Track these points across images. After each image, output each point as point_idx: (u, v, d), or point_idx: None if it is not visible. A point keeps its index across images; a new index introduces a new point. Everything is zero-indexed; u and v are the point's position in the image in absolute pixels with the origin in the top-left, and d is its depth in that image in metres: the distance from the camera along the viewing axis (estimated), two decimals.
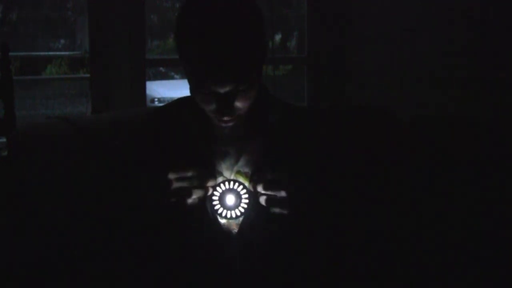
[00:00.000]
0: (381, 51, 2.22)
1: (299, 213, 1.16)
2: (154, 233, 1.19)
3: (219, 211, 1.17)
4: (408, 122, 1.73)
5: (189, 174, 1.15)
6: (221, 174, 1.22)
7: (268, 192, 1.15)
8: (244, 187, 1.17)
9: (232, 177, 1.21)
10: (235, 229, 1.20)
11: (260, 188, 1.15)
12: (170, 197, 1.15)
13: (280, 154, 1.22)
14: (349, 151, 1.41)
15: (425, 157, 1.66)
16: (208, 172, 1.18)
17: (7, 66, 1.79)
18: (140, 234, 1.19)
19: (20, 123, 1.79)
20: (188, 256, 1.19)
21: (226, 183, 1.17)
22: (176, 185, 1.15)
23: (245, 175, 1.21)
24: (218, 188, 1.17)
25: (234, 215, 1.17)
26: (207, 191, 1.17)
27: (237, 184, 1.16)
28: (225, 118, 1.16)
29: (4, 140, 1.78)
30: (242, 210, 1.16)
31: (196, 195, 1.16)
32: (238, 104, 1.15)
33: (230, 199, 1.16)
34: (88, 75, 2.10)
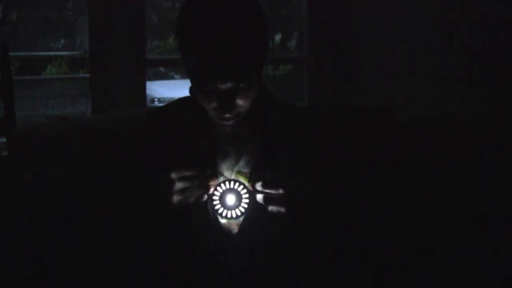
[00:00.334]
0: (381, 51, 2.22)
1: (298, 212, 1.16)
2: (155, 233, 1.19)
3: (220, 211, 1.17)
4: (408, 122, 1.73)
5: (191, 173, 1.15)
6: (221, 174, 1.22)
7: (266, 190, 1.15)
8: (245, 187, 1.17)
9: (232, 177, 1.21)
10: (235, 228, 1.20)
11: (258, 187, 1.15)
12: (171, 197, 1.15)
13: (280, 153, 1.22)
14: (348, 151, 1.41)
15: (425, 157, 1.66)
16: (209, 172, 1.18)
17: (7, 66, 1.79)
18: (140, 234, 1.19)
19: (20, 123, 1.79)
20: (189, 255, 1.19)
21: (227, 183, 1.17)
22: (178, 185, 1.15)
23: (245, 175, 1.21)
24: (218, 188, 1.17)
25: (234, 215, 1.17)
26: (208, 191, 1.17)
27: (237, 184, 1.17)
28: (226, 116, 1.17)
29: (4, 140, 1.78)
30: (243, 210, 1.16)
31: (197, 194, 1.16)
32: (239, 101, 1.16)
33: (230, 199, 1.16)
34: (88, 75, 2.10)
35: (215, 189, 1.17)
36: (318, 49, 2.32)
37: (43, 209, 1.37)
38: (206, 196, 1.17)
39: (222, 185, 1.17)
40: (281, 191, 1.15)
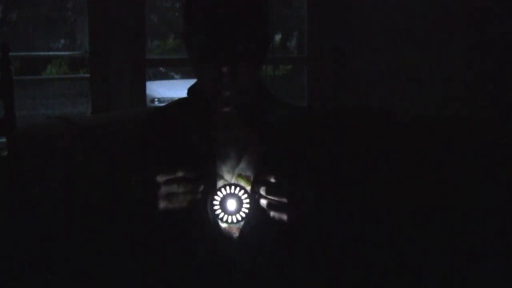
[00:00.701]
0: (381, 51, 2.22)
1: (300, 218, 1.16)
2: (153, 236, 1.18)
3: (220, 216, 1.16)
4: (408, 122, 1.73)
5: (178, 177, 1.13)
6: (221, 177, 1.21)
7: (269, 197, 1.14)
8: (246, 191, 1.16)
9: (233, 180, 1.21)
10: (236, 233, 1.19)
11: (262, 191, 1.15)
12: (157, 201, 1.14)
13: (280, 154, 1.22)
14: (348, 151, 1.41)
15: (425, 157, 1.66)
16: (202, 175, 1.17)
17: (7, 66, 1.79)
18: (139, 237, 1.19)
19: (20, 123, 1.79)
20: (189, 260, 1.18)
21: (227, 187, 1.16)
22: (163, 189, 1.13)
23: (246, 178, 1.20)
24: (219, 193, 1.16)
25: (235, 220, 1.16)
26: (198, 196, 1.15)
27: (238, 188, 1.16)
28: (226, 94, 1.16)
29: (4, 140, 1.78)
30: (243, 215, 1.16)
31: (186, 200, 1.14)
32: (240, 81, 1.16)
33: (231, 204, 1.16)
34: (88, 75, 2.10)
35: (216, 194, 1.16)
36: (318, 49, 2.31)
37: (43, 209, 1.37)
38: (194, 202, 1.15)
39: (223, 189, 1.16)
40: (284, 199, 1.13)
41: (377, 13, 2.23)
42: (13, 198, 1.41)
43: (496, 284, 1.50)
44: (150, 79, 4.93)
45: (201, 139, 1.23)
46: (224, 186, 1.16)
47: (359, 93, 2.26)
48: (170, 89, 4.94)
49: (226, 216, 1.16)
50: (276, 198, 1.14)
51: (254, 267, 1.17)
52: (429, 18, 2.12)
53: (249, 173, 1.21)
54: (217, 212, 1.16)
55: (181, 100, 1.33)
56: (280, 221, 1.15)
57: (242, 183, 1.18)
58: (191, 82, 1.32)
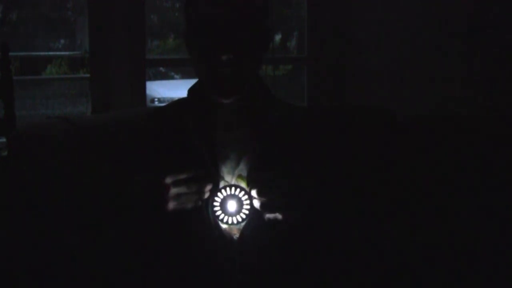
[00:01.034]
0: (381, 51, 2.22)
1: (296, 218, 1.16)
2: (154, 237, 1.18)
3: (221, 217, 1.16)
4: (408, 122, 1.73)
5: (186, 177, 1.14)
6: (222, 178, 1.21)
7: (262, 198, 1.14)
8: (246, 192, 1.16)
9: (233, 181, 1.20)
10: (236, 234, 1.19)
11: (253, 193, 1.14)
12: (166, 203, 1.14)
13: (279, 154, 1.22)
14: (348, 151, 1.41)
15: (425, 157, 1.66)
16: (207, 175, 1.17)
17: (7, 66, 1.79)
18: (139, 238, 1.19)
19: (20, 123, 1.79)
20: (189, 260, 1.18)
21: (228, 188, 1.16)
22: (173, 190, 1.14)
23: (246, 179, 1.20)
24: (219, 194, 1.16)
25: (235, 221, 1.16)
26: (204, 196, 1.16)
27: (238, 189, 1.16)
28: (226, 83, 1.17)
29: (4, 140, 1.78)
30: (244, 216, 1.16)
31: (194, 200, 1.15)
32: (240, 69, 1.16)
33: (231, 205, 1.16)
34: (88, 75, 2.10)
35: (216, 195, 1.16)
36: (318, 49, 2.31)
37: (43, 209, 1.37)
38: (201, 201, 1.16)
39: (223, 191, 1.16)
40: (277, 198, 1.13)
41: (377, 13, 2.23)
42: (13, 198, 1.41)
43: (496, 284, 1.50)
44: (150, 79, 4.93)
45: (201, 140, 1.23)
46: (225, 187, 1.16)
47: (359, 93, 2.26)
48: (170, 89, 4.94)
49: (226, 217, 1.16)
50: (267, 199, 1.13)
51: (254, 268, 1.17)
52: (429, 18, 2.12)
53: None
54: (218, 213, 1.16)
55: (181, 100, 1.33)
56: (276, 222, 1.14)
57: (242, 184, 1.18)
58: (191, 82, 1.32)
